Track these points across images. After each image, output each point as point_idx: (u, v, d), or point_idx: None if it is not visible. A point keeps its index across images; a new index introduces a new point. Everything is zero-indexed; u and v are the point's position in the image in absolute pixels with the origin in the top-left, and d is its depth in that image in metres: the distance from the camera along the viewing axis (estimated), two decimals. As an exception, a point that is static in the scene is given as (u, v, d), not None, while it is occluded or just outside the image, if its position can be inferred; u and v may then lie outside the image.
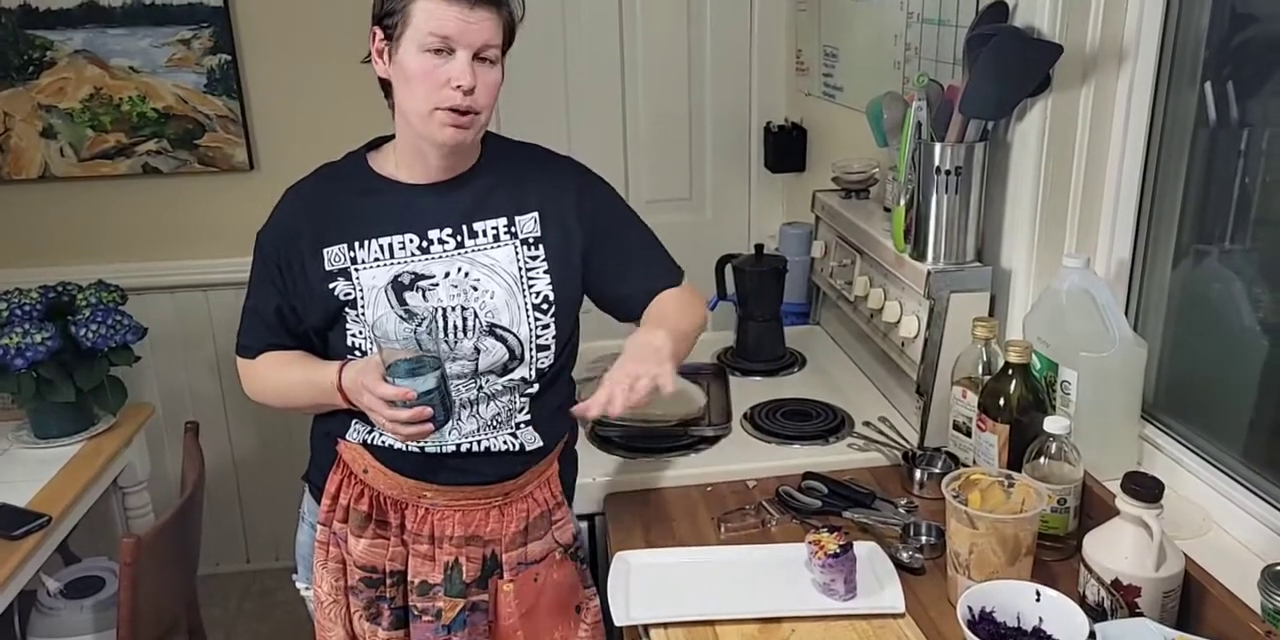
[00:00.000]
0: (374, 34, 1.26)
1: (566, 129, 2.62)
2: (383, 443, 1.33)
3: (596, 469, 1.58)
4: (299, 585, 1.51)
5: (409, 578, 1.35)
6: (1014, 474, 1.26)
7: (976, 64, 1.42)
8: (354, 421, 1.34)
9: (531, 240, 1.33)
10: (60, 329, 1.96)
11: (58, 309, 2.05)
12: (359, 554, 1.34)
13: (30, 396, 1.95)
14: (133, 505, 2.23)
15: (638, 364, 1.22)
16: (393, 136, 1.35)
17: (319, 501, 1.40)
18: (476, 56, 1.21)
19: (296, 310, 1.34)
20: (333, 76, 2.42)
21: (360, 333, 1.31)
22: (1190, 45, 1.35)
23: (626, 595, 1.30)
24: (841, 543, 1.25)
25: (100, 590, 2.06)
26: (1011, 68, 1.40)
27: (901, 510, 1.45)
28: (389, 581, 1.35)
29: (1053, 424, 1.27)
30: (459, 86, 1.20)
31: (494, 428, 1.33)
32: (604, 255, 1.38)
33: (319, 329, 1.34)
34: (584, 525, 1.52)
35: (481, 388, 1.31)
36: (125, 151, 2.47)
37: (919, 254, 1.59)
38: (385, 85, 1.29)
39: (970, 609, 1.10)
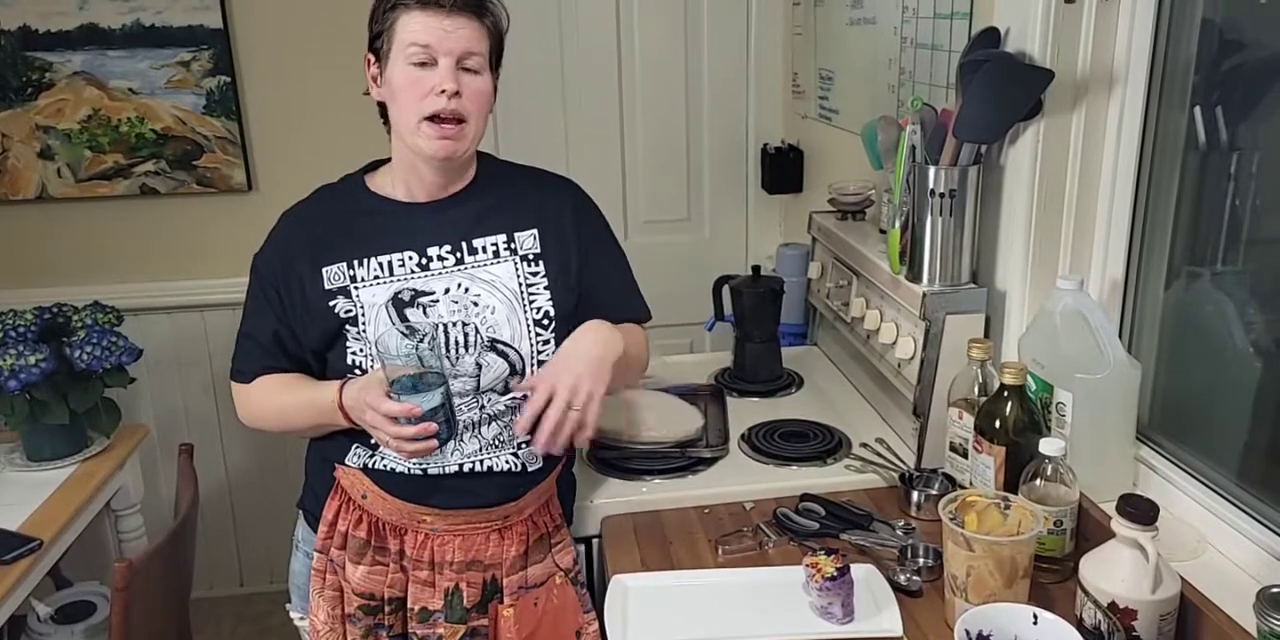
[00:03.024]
0: (368, 61, 1.30)
1: (565, 151, 2.64)
2: (383, 467, 1.33)
3: (593, 491, 1.58)
4: (293, 615, 1.50)
5: (409, 604, 1.34)
6: (1010, 496, 1.26)
7: (969, 89, 1.43)
8: (354, 446, 1.34)
9: (531, 257, 1.34)
10: (55, 350, 1.96)
11: (53, 330, 2.04)
12: (357, 581, 1.34)
13: (23, 418, 1.95)
14: (125, 528, 2.21)
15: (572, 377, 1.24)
16: (389, 159, 1.37)
17: (314, 529, 1.39)
18: (461, 66, 1.23)
19: (295, 332, 1.34)
20: (331, 98, 2.44)
21: (361, 351, 1.31)
22: (1179, 70, 1.37)
23: (624, 619, 1.29)
24: (839, 565, 1.25)
25: (92, 615, 2.05)
26: (1004, 92, 1.42)
27: (899, 532, 1.45)
28: (388, 608, 1.35)
29: (1048, 446, 1.27)
30: (443, 91, 1.22)
31: (496, 448, 1.33)
32: (589, 277, 1.40)
33: (318, 350, 1.34)
34: (581, 548, 1.51)
35: (484, 408, 1.32)
36: (123, 172, 2.48)
37: (914, 275, 1.59)
38: (383, 110, 1.31)
39: (968, 632, 1.10)
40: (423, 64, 1.23)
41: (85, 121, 2.44)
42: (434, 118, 1.23)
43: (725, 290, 2.07)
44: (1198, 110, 1.35)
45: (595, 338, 1.28)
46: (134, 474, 2.20)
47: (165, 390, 2.61)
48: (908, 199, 1.56)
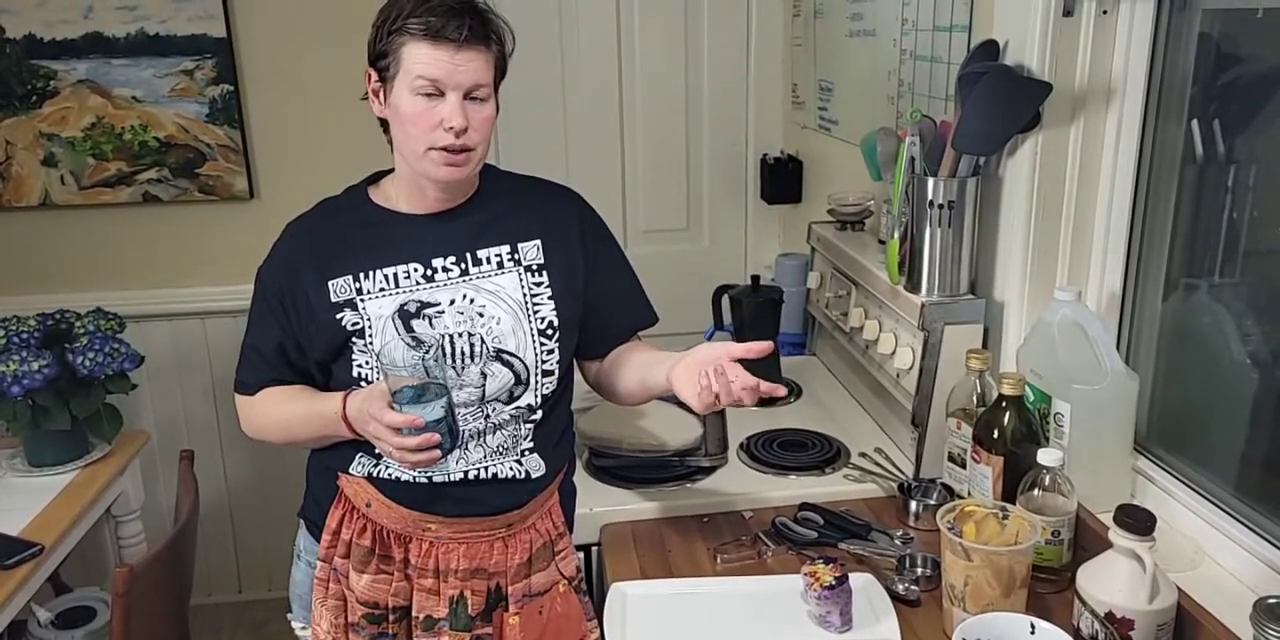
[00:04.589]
0: (369, 75, 1.30)
1: (565, 160, 2.65)
2: (388, 475, 1.33)
3: (593, 499, 1.58)
4: (295, 625, 1.50)
5: (413, 613, 1.34)
6: (1008, 506, 1.26)
7: (968, 101, 1.44)
8: (359, 455, 1.34)
9: (535, 267, 1.35)
10: (57, 356, 1.96)
11: (55, 336, 2.05)
12: (361, 590, 1.34)
13: (25, 424, 1.95)
14: (126, 534, 2.22)
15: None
16: (392, 170, 1.37)
17: (316, 538, 1.39)
18: (467, 96, 1.23)
19: (300, 344, 1.34)
20: (333, 107, 2.45)
21: (367, 363, 1.31)
22: (1177, 84, 1.38)
23: (623, 627, 1.30)
24: (837, 574, 1.26)
25: (92, 620, 2.05)
26: (1002, 105, 1.43)
27: (897, 542, 1.45)
28: (392, 617, 1.34)
29: (1046, 456, 1.28)
30: (450, 128, 1.22)
31: (500, 455, 1.34)
32: (599, 286, 1.41)
33: (323, 362, 1.34)
34: (580, 556, 1.52)
35: (489, 417, 1.32)
36: (126, 180, 2.49)
37: (913, 286, 1.60)
38: (384, 123, 1.32)
39: (966, 641, 1.10)
40: (429, 95, 1.22)
41: (89, 129, 2.45)
42: (441, 148, 1.24)
43: (724, 300, 2.07)
44: (1195, 123, 1.36)
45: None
46: (134, 480, 2.20)
47: (166, 397, 2.62)
48: (907, 210, 1.57)
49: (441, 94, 1.22)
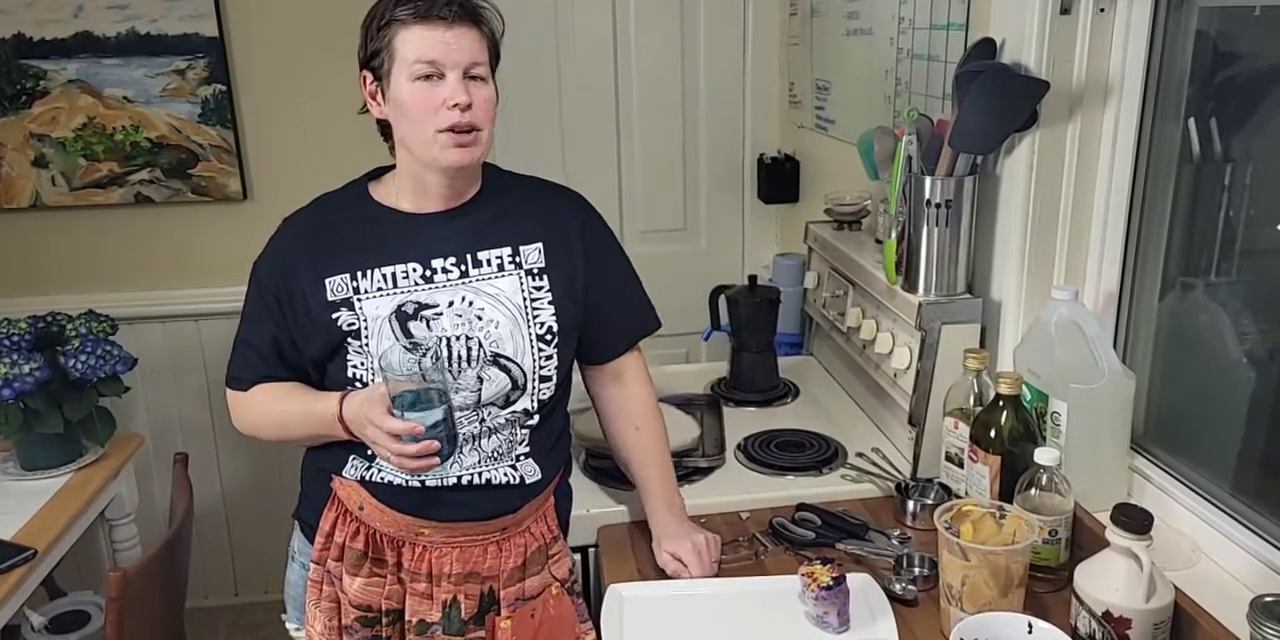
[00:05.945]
0: (364, 78, 1.29)
1: (562, 161, 2.64)
2: (381, 479, 1.32)
3: (590, 501, 1.58)
4: (289, 626, 1.49)
5: (406, 617, 1.33)
6: (1006, 505, 1.26)
7: (965, 99, 1.44)
8: (351, 457, 1.33)
9: (536, 271, 1.34)
10: (49, 359, 1.95)
11: (47, 339, 2.04)
12: (354, 593, 1.33)
13: (17, 427, 1.94)
14: (120, 538, 2.20)
15: (692, 545, 1.41)
16: (393, 167, 1.36)
17: (310, 540, 1.38)
18: (466, 75, 1.23)
19: (295, 342, 1.33)
20: (327, 107, 2.44)
21: (362, 363, 1.30)
22: (1174, 82, 1.38)
23: (620, 628, 1.29)
24: (834, 575, 1.25)
25: (86, 625, 2.04)
26: (1000, 103, 1.42)
27: (895, 542, 1.45)
28: (385, 620, 1.34)
29: (1043, 455, 1.27)
30: (456, 105, 1.21)
31: (494, 460, 1.33)
32: (600, 290, 1.40)
33: (318, 360, 1.33)
34: (577, 557, 1.51)
35: (484, 421, 1.31)
36: (118, 181, 2.48)
37: (910, 286, 1.60)
38: (383, 127, 1.31)
39: (964, 642, 1.10)
40: (429, 77, 1.22)
41: (80, 130, 2.44)
42: (449, 129, 1.23)
43: (722, 300, 2.07)
44: (1192, 122, 1.35)
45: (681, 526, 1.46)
46: (128, 483, 2.19)
47: (160, 399, 2.61)
48: (904, 209, 1.57)
49: (441, 76, 1.22)
